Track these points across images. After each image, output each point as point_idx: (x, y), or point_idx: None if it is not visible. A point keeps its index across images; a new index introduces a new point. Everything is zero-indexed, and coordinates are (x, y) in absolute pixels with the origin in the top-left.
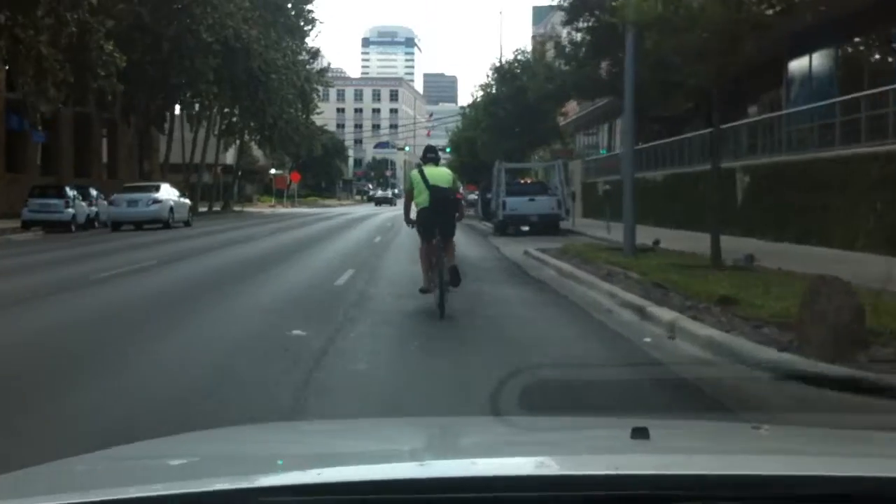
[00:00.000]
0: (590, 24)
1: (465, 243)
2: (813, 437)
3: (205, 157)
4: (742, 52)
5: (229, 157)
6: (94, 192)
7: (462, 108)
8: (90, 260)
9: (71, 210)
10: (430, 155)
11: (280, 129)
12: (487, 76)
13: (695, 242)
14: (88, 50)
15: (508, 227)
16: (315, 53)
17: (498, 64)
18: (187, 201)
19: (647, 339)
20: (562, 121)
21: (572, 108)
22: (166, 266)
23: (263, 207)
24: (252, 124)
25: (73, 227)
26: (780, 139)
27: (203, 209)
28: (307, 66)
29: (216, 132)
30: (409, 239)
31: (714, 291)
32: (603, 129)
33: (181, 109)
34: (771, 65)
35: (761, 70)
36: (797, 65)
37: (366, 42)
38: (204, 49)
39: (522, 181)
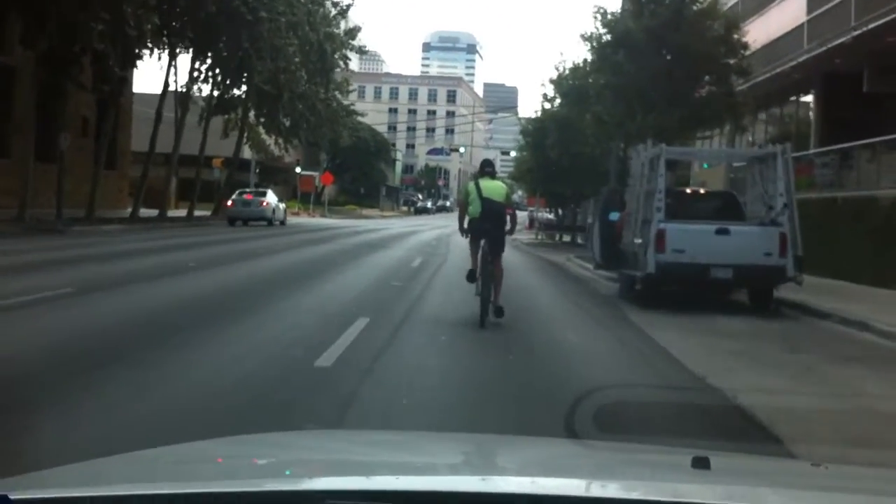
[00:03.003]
0: None
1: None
2: (870, 477)
3: (178, 146)
4: None
5: (240, 149)
6: None
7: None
8: None
9: None
10: (487, 169)
11: (285, 104)
12: (597, 16)
13: None
14: None
15: (661, 285)
16: (344, 11)
17: None
18: (283, 205)
19: None
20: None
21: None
22: None
23: None
24: (253, 98)
25: None
26: None
27: (199, 212)
28: (332, 23)
29: (203, 111)
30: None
31: None
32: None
33: (91, 56)
34: None
35: None
36: None
37: (427, 47)
38: None
39: (689, 191)
